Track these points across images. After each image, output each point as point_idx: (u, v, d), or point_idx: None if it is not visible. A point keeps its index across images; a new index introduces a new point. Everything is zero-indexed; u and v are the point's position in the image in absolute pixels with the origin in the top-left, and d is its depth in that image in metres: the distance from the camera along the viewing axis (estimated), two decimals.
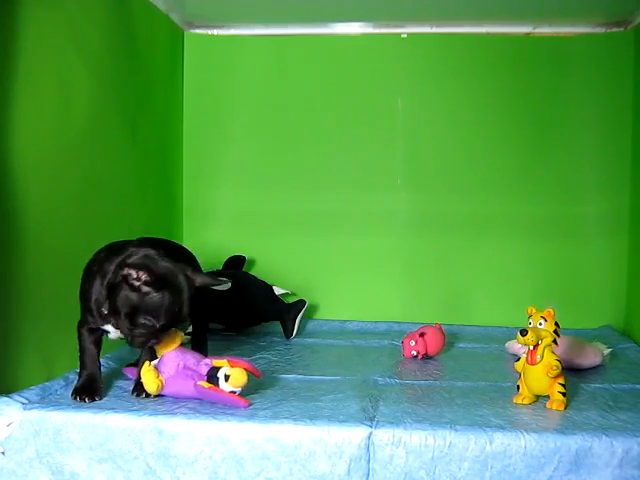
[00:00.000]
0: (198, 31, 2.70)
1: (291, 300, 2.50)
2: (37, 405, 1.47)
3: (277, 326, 2.41)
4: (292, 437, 1.39)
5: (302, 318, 2.42)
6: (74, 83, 1.82)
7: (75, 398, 1.55)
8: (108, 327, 1.58)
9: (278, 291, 2.49)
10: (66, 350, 1.75)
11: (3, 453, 1.42)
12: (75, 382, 1.60)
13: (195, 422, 1.42)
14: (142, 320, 1.49)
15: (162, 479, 1.41)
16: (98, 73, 1.95)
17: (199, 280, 1.60)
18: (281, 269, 2.63)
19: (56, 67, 1.73)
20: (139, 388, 1.61)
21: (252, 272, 2.58)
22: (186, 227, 2.71)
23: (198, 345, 1.92)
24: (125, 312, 1.50)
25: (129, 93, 2.17)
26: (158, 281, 1.49)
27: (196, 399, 1.57)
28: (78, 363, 1.63)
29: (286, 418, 1.44)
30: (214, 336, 2.20)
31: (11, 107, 1.54)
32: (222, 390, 1.54)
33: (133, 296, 1.49)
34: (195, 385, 1.56)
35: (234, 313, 2.37)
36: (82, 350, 1.61)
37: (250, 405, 1.53)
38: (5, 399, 1.46)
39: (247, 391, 1.60)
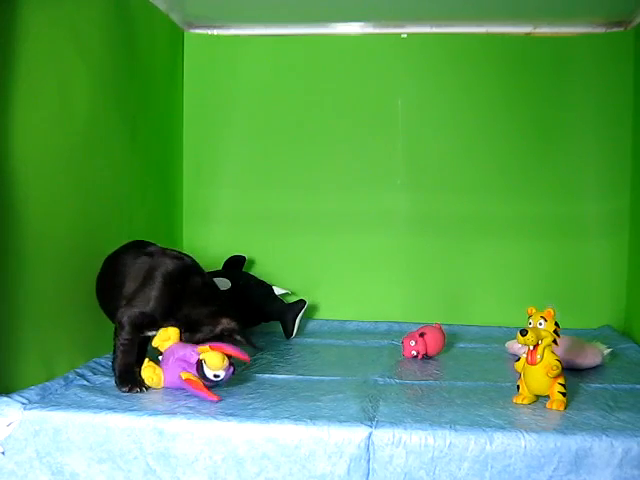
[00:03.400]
0: (198, 31, 2.70)
1: (291, 300, 2.50)
2: (37, 405, 1.47)
3: (277, 326, 2.41)
4: (292, 437, 1.39)
5: (302, 318, 2.41)
6: (74, 83, 1.82)
7: (128, 390, 1.62)
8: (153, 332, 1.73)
9: (278, 291, 2.49)
10: (66, 350, 1.76)
11: (3, 453, 1.42)
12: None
13: (195, 422, 1.42)
14: (204, 335, 1.71)
15: (162, 479, 1.41)
16: (98, 73, 1.95)
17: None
18: (281, 269, 2.63)
19: (56, 67, 1.73)
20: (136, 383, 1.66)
21: (252, 272, 2.58)
22: (186, 227, 2.71)
23: None
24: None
25: (129, 93, 2.17)
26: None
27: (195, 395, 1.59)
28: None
29: (286, 418, 1.44)
30: None
31: (11, 107, 1.54)
32: (197, 383, 1.57)
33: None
34: (178, 376, 1.60)
35: None
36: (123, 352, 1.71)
37: (220, 400, 1.54)
38: (5, 399, 1.46)
39: (246, 390, 1.62)
